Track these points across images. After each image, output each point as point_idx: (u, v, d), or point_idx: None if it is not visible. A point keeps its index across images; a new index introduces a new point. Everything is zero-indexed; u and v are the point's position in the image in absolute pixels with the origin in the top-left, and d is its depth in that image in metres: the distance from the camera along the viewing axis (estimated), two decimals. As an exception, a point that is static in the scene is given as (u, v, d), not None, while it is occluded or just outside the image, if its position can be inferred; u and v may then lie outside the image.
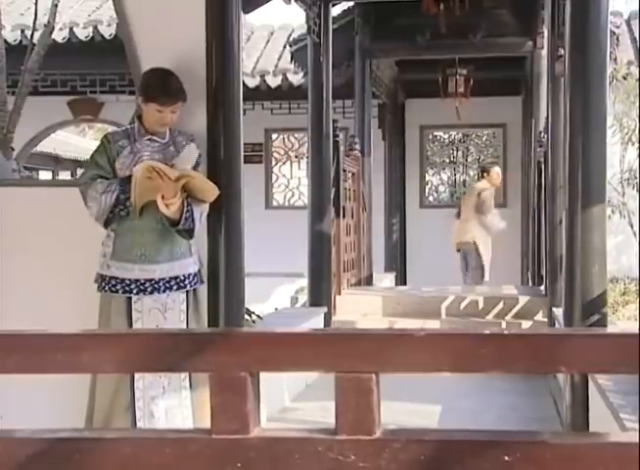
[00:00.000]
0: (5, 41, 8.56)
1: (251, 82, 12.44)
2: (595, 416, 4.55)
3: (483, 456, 1.42)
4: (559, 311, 6.00)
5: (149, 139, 4.28)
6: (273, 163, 14.26)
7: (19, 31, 11.74)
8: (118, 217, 4.19)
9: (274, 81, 12.72)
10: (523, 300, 8.36)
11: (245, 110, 4.84)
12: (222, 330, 2.43)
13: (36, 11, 8.43)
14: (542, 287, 8.76)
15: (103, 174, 4.22)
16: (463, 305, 8.41)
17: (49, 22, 8.34)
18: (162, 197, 4.06)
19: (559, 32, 7.26)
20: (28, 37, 9.11)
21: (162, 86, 4.19)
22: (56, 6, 8.40)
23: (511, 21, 10.24)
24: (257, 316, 6.46)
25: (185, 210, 4.12)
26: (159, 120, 4.22)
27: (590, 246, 4.79)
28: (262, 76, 12.74)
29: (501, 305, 8.18)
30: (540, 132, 9.43)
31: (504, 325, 7.87)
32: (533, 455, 1.42)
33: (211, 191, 4.24)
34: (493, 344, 1.46)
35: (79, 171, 15.57)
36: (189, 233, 4.21)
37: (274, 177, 14.25)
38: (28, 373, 1.56)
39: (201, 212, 4.22)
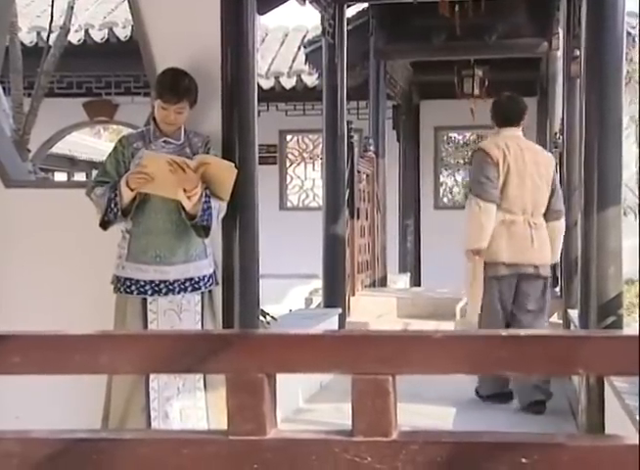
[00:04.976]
0: (21, 43, 8.61)
1: (266, 84, 12.45)
2: (611, 418, 4.53)
3: (500, 458, 1.42)
4: (574, 313, 5.97)
5: (164, 141, 4.30)
6: (287, 164, 14.27)
7: (35, 33, 11.80)
8: (114, 220, 4.22)
9: (289, 83, 12.73)
10: (538, 301, 8.32)
11: (259, 111, 4.84)
12: (239, 332, 2.43)
13: (52, 13, 8.46)
14: (557, 289, 8.72)
15: (107, 180, 4.26)
16: (478, 306, 8.38)
17: (65, 24, 8.38)
18: (184, 190, 4.08)
19: (574, 33, 7.24)
20: (44, 39, 9.14)
21: (171, 84, 4.22)
22: (72, 8, 8.44)
23: (526, 22, 10.21)
24: (272, 317, 6.46)
25: (203, 200, 4.14)
26: (163, 118, 4.25)
27: (606, 247, 4.77)
28: (277, 78, 12.75)
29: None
30: (555, 133, 9.40)
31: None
32: (550, 458, 1.41)
33: (229, 171, 4.22)
34: (510, 345, 1.46)
35: (94, 173, 15.63)
36: (205, 231, 4.22)
37: (288, 178, 14.26)
38: (47, 374, 1.57)
39: (218, 210, 4.22)
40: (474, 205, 5.76)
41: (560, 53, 9.02)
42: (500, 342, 1.46)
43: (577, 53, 6.26)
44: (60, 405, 4.42)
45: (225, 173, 4.20)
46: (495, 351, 1.45)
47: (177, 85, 4.22)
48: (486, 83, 11.37)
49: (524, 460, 1.40)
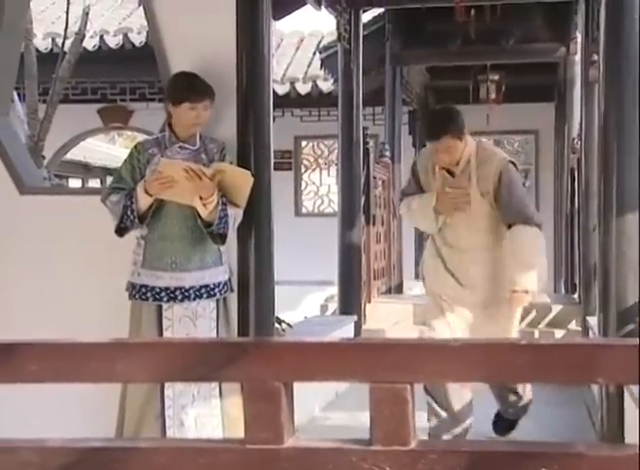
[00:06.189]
0: (36, 49, 8.66)
1: (281, 89, 12.46)
2: (630, 427, 4.49)
3: (520, 468, 1.40)
4: (593, 320, 5.93)
5: (179, 146, 4.29)
6: (303, 170, 14.28)
7: (50, 40, 11.86)
8: (130, 227, 4.22)
9: (304, 88, 12.74)
10: (556, 308, 8.27)
11: (274, 117, 4.83)
12: (255, 339, 2.42)
13: (67, 19, 8.51)
14: (576, 295, 8.68)
15: (122, 186, 4.25)
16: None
17: (80, 30, 8.42)
18: (200, 197, 4.07)
19: (593, 38, 7.20)
20: (59, 45, 9.18)
21: (190, 85, 4.23)
22: (87, 14, 8.49)
23: (543, 26, 10.17)
24: (287, 325, 6.45)
25: (220, 208, 4.13)
26: (193, 120, 4.22)
27: (625, 253, 4.73)
28: (292, 83, 12.77)
29: (534, 313, 8.07)
30: (574, 139, 9.36)
31: (537, 334, 7.78)
32: (570, 467, 1.40)
33: (245, 178, 4.20)
34: (529, 353, 1.44)
35: (109, 179, 15.69)
36: (222, 238, 4.20)
37: (304, 184, 14.26)
38: (63, 382, 1.56)
39: (235, 217, 4.21)
40: (542, 238, 4.68)
41: (578, 58, 8.99)
42: (518, 350, 1.44)
43: (596, 58, 6.23)
44: (74, 413, 4.41)
45: (241, 181, 4.19)
46: (513, 358, 1.43)
47: (196, 85, 4.23)
48: (503, 88, 11.34)
49: (543, 470, 1.39)
